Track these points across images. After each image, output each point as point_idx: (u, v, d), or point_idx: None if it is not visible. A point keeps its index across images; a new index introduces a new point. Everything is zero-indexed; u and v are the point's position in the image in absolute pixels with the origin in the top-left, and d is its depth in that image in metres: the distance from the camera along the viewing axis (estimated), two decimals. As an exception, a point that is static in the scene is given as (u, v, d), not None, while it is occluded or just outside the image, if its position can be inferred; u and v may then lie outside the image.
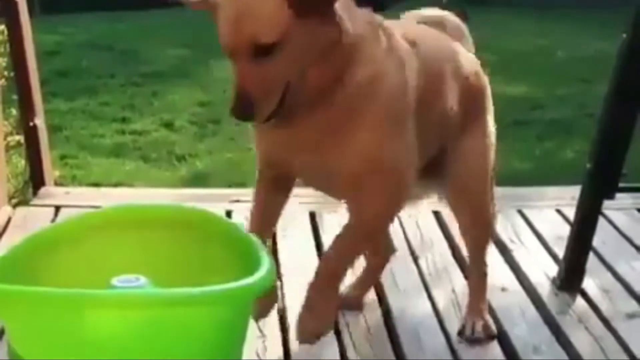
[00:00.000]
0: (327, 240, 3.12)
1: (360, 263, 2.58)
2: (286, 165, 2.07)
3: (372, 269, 2.67)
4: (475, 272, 2.56)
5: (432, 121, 2.17)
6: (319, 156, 1.97)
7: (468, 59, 2.43)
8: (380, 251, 2.65)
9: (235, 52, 1.80)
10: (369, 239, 2.15)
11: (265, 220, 2.18)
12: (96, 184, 4.84)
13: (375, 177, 1.97)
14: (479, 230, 2.48)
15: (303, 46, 1.80)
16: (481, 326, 2.47)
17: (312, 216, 3.35)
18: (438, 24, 2.43)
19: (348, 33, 1.87)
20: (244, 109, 1.79)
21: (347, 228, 2.06)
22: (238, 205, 3.40)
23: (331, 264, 2.08)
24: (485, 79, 2.46)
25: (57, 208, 3.44)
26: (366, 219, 2.04)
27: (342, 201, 2.21)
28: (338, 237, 2.07)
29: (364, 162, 1.96)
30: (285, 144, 1.99)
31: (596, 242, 2.83)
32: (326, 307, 2.06)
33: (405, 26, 2.22)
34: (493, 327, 2.50)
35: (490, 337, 2.47)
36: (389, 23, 2.08)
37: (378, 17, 2.05)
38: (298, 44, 1.79)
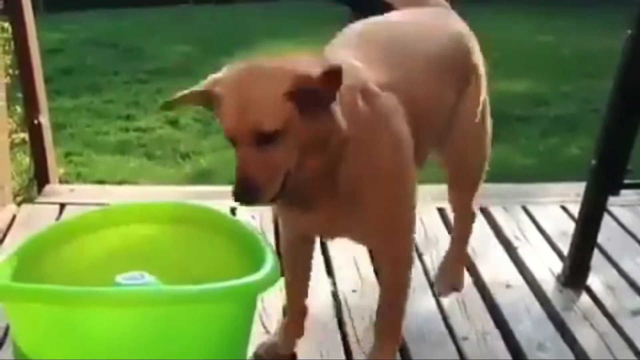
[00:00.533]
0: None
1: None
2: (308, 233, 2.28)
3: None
4: (461, 221, 2.77)
5: (433, 127, 2.30)
6: (336, 231, 2.18)
7: (453, 38, 2.44)
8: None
9: (239, 138, 1.85)
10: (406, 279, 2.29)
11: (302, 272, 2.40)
12: (101, 182, 4.84)
13: (391, 231, 2.19)
14: (471, 182, 2.68)
15: (302, 136, 1.84)
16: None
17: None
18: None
19: (341, 129, 1.91)
20: (247, 193, 1.82)
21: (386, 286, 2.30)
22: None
23: (396, 327, 2.33)
24: (473, 47, 2.52)
25: (62, 206, 3.44)
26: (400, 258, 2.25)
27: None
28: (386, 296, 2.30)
29: (379, 230, 2.14)
30: (302, 222, 2.12)
31: (601, 238, 2.83)
32: None
33: (383, 62, 2.13)
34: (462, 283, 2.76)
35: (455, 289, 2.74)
36: (364, 73, 2.04)
37: (361, 81, 2.01)
38: (297, 133, 1.84)
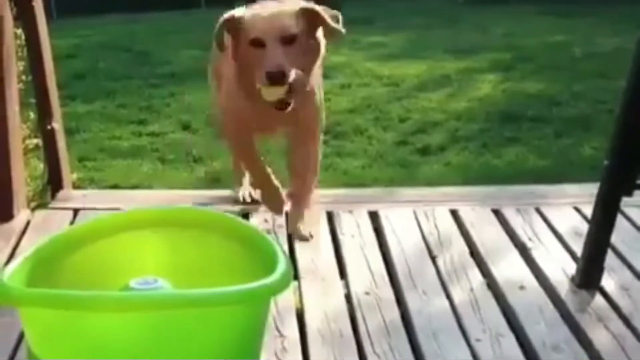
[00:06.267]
0: (345, 241, 3.14)
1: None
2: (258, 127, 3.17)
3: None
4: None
5: None
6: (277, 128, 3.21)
7: None
8: None
9: (269, 39, 2.72)
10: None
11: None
12: (114, 186, 4.86)
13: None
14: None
15: (306, 48, 2.82)
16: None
17: (330, 216, 3.35)
18: None
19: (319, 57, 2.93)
20: (279, 73, 2.67)
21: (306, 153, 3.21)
22: (255, 207, 3.41)
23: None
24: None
25: (76, 211, 3.45)
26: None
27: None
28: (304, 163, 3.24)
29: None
30: (262, 120, 3.03)
31: (615, 239, 2.82)
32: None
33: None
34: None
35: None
36: None
37: None
38: (305, 44, 2.81)
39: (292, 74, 2.70)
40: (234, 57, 2.90)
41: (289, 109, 2.81)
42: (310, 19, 2.80)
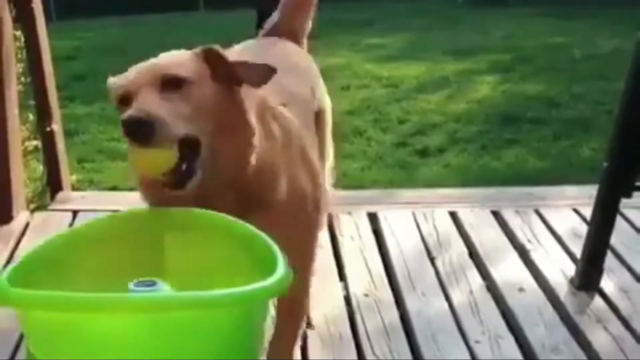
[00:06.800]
0: (344, 242, 3.14)
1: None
2: None
3: None
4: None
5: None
6: None
7: (316, 72, 2.59)
8: None
9: (141, 87, 1.75)
10: None
11: None
12: (113, 188, 4.86)
13: None
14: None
15: (209, 99, 1.79)
16: None
17: (329, 218, 3.35)
18: None
19: (251, 123, 1.85)
20: (142, 124, 1.65)
21: None
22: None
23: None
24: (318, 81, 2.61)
25: (75, 212, 3.45)
26: None
27: None
28: None
29: None
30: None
31: (614, 241, 2.82)
32: None
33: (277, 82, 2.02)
34: None
35: None
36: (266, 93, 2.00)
37: (263, 97, 1.98)
38: (205, 93, 1.78)
39: (178, 128, 1.70)
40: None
41: (190, 186, 1.79)
42: (215, 63, 1.86)
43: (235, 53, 2.19)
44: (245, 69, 1.86)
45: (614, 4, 10.91)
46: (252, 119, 1.86)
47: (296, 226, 2.00)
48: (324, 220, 2.19)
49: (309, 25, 2.63)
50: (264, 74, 1.86)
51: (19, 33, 3.63)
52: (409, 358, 2.42)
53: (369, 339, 2.51)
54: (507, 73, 7.81)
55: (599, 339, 2.50)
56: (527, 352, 2.45)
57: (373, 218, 3.36)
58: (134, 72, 1.81)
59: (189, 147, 1.75)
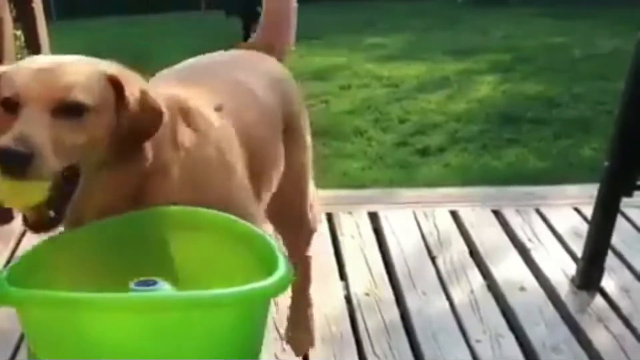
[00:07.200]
0: (345, 241, 3.14)
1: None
2: None
3: None
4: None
5: (266, 166, 2.01)
6: None
7: (283, 76, 2.25)
8: None
9: (30, 101, 1.50)
10: None
11: None
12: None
13: None
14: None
15: (105, 130, 1.56)
16: None
17: (329, 217, 3.35)
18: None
19: (146, 154, 1.65)
20: (12, 152, 1.42)
21: None
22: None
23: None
24: (293, 95, 2.23)
25: (76, 212, 3.45)
26: None
27: None
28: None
29: None
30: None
31: (615, 240, 2.82)
32: None
33: (210, 90, 1.91)
34: None
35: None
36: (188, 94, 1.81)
37: (180, 98, 1.78)
38: (102, 123, 1.56)
39: (59, 163, 1.49)
40: None
41: (52, 230, 1.63)
42: (120, 91, 1.61)
43: (164, 76, 1.98)
44: (140, 110, 1.61)
45: (613, 4, 10.90)
46: (148, 147, 1.64)
47: None
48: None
49: (290, 39, 2.39)
50: (153, 120, 1.62)
51: (19, 33, 3.63)
52: (410, 357, 2.42)
53: (369, 337, 2.51)
54: (507, 73, 7.80)
55: (599, 338, 2.50)
56: (528, 351, 2.45)
57: (374, 217, 3.36)
58: (31, 76, 1.54)
59: (65, 178, 1.54)
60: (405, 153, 5.67)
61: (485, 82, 7.49)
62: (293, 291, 2.44)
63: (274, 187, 2.06)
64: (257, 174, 1.92)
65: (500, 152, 5.54)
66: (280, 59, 2.32)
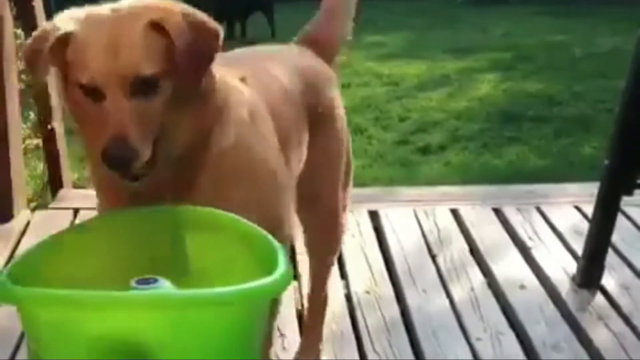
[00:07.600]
0: (345, 240, 3.13)
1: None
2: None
3: None
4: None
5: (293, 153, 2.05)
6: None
7: (319, 72, 2.36)
8: None
9: (108, 85, 1.56)
10: None
11: None
12: (114, 186, 4.84)
13: None
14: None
15: (182, 88, 1.61)
16: None
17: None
18: None
19: (219, 92, 1.72)
20: (123, 154, 1.54)
21: None
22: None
23: None
24: (329, 88, 2.35)
25: (76, 210, 3.45)
26: None
27: None
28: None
29: None
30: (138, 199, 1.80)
31: (615, 238, 2.82)
32: None
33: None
34: None
35: None
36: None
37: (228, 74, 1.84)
38: (175, 77, 1.60)
39: (149, 150, 1.61)
40: (64, 102, 1.75)
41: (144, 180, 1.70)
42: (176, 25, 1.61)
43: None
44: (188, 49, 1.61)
45: (614, 2, 10.90)
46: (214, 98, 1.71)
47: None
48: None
49: (343, 35, 2.47)
50: (207, 40, 1.64)
51: (19, 31, 3.62)
52: (410, 355, 2.43)
53: (369, 335, 2.51)
54: (507, 71, 7.80)
55: (600, 336, 2.50)
56: (528, 350, 2.45)
57: (374, 216, 3.36)
58: (102, 57, 1.56)
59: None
60: (405, 151, 5.67)
61: (486, 81, 7.49)
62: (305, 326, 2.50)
63: (294, 171, 2.07)
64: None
65: (501, 150, 5.54)
66: (323, 54, 2.42)
